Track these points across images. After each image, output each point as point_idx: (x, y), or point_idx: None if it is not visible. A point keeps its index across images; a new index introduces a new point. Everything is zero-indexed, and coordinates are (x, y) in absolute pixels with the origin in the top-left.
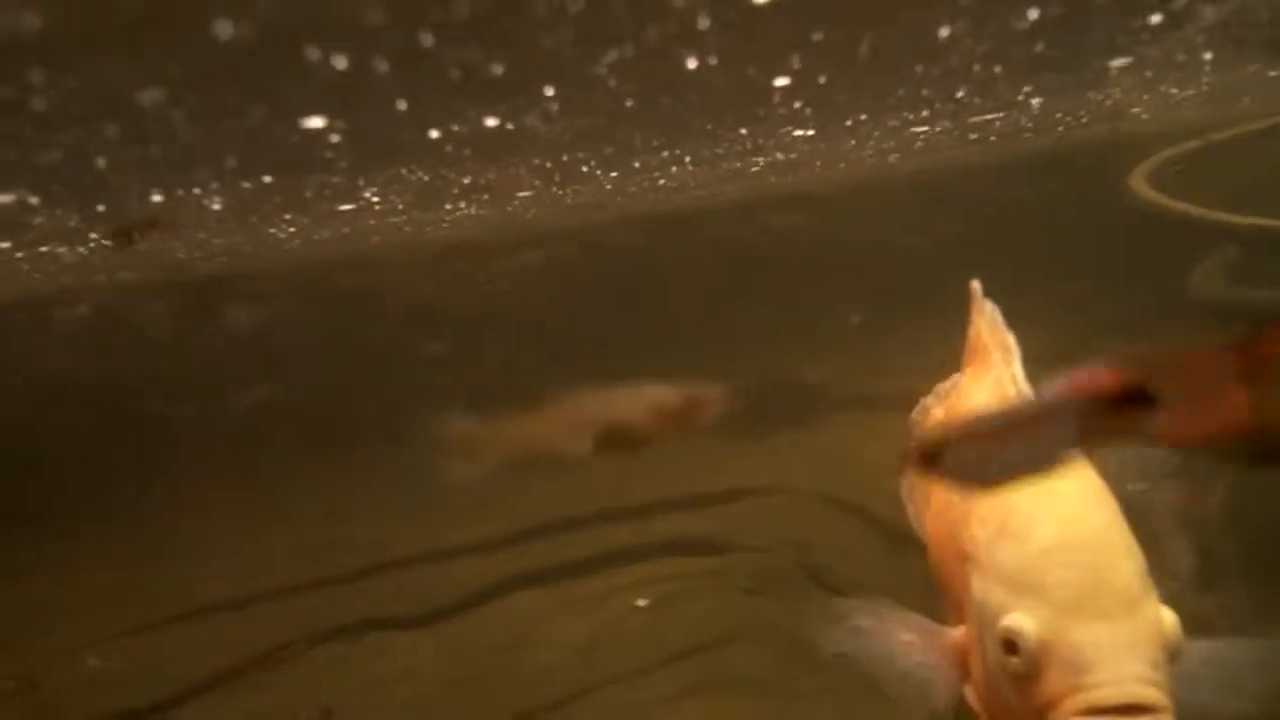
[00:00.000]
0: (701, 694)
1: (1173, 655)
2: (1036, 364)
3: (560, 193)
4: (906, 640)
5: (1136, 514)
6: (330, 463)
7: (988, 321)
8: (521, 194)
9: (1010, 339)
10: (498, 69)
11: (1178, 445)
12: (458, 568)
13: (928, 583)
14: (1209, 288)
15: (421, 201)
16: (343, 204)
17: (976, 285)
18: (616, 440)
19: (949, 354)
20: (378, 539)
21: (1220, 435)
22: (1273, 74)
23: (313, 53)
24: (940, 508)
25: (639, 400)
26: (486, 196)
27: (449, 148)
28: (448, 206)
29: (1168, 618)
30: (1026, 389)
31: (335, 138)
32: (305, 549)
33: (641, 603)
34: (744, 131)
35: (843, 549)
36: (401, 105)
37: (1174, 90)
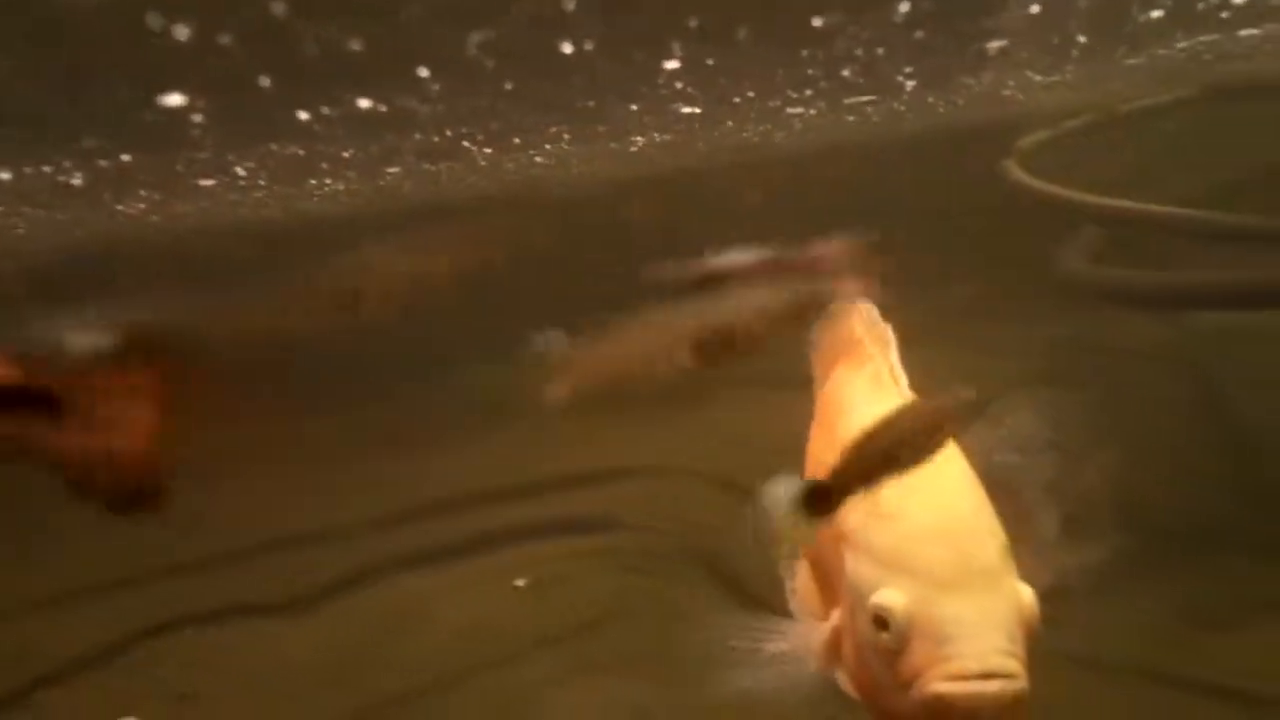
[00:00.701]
0: (582, 674)
1: (1029, 630)
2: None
3: (434, 169)
4: (777, 650)
5: (1007, 488)
6: None
7: (863, 316)
8: (392, 170)
9: (889, 332)
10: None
11: (60, 461)
12: (331, 551)
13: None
14: (1072, 267)
15: (290, 176)
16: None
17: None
18: (717, 348)
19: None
20: (244, 521)
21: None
22: (1132, 61)
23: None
24: None
25: (743, 305)
26: (353, 174)
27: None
28: (314, 182)
29: (1026, 594)
30: (905, 381)
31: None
32: (167, 531)
33: (522, 583)
34: (634, 108)
35: (727, 528)
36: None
37: (1042, 76)
